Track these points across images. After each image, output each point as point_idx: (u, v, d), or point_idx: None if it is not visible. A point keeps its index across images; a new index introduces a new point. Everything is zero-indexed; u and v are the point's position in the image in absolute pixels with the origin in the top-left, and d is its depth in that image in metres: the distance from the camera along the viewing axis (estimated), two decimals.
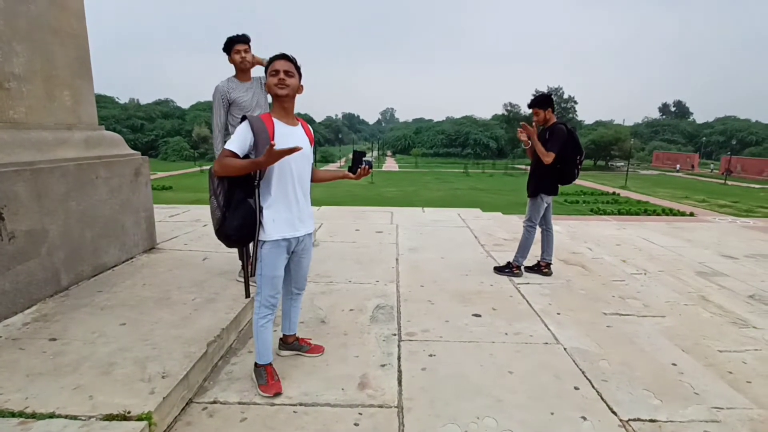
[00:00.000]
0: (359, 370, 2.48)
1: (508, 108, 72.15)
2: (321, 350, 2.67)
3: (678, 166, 56.02)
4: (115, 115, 58.19)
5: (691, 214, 12.29)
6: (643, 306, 3.61)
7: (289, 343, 2.62)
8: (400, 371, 2.48)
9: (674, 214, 13.85)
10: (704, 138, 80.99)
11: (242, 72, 3.32)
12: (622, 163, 55.05)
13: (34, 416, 1.80)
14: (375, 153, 66.55)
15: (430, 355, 2.66)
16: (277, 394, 2.21)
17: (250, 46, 3.31)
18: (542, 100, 3.97)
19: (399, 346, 2.77)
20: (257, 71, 3.42)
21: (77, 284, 3.17)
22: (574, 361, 2.64)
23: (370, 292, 3.65)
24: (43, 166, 2.89)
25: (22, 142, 2.87)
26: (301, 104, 2.19)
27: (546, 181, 3.99)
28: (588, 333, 3.02)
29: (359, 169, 2.26)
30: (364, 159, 2.27)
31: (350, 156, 2.29)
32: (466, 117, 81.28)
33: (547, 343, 2.87)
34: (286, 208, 2.14)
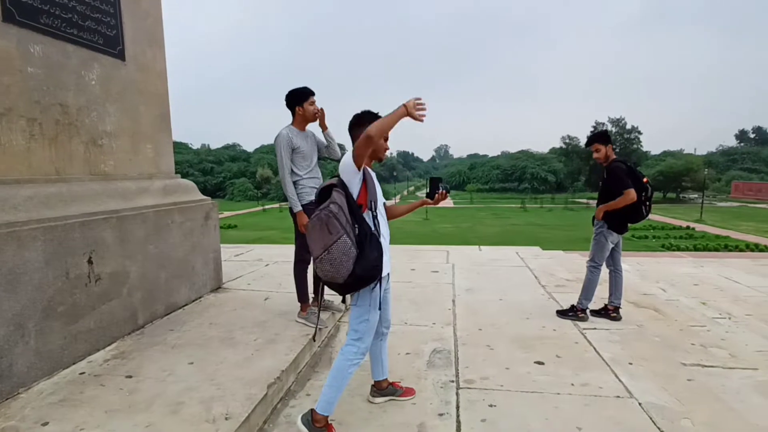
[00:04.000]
0: (416, 418, 2.41)
1: (567, 141, 70.21)
2: (413, 392, 2.61)
3: None
4: (189, 160, 63.07)
5: None
6: (730, 356, 3.24)
7: (384, 389, 2.56)
8: (459, 422, 2.39)
9: (761, 250, 12.50)
10: None
11: (305, 122, 3.42)
12: (696, 195, 51.12)
13: None
14: (428, 190, 66.70)
15: (491, 405, 2.55)
16: None
17: None
18: (602, 135, 3.87)
19: (457, 394, 2.68)
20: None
21: (152, 323, 3.39)
22: (651, 419, 2.41)
23: (426, 335, 3.59)
24: (126, 214, 3.19)
25: (110, 192, 3.20)
26: None
27: (615, 215, 3.78)
28: (666, 386, 2.76)
29: (437, 194, 2.32)
30: (440, 184, 2.33)
31: (424, 186, 2.35)
32: (522, 151, 79.96)
33: (619, 397, 2.65)
34: (384, 244, 2.12)
